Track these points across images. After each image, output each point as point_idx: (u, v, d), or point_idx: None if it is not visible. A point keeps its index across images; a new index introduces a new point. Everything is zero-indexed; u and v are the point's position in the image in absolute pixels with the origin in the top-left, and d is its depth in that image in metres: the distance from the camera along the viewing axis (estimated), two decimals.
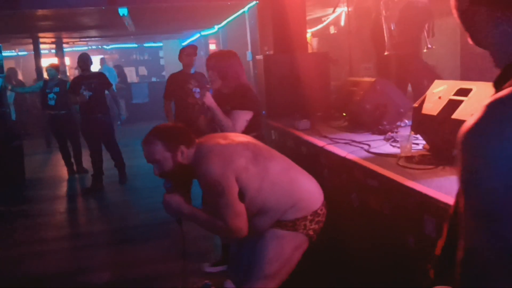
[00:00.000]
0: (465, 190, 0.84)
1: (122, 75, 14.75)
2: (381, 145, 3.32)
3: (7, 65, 9.27)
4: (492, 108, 0.82)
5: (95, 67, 14.22)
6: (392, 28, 4.87)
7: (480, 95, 2.59)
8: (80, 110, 6.52)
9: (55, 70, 7.32)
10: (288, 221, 2.31)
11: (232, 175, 2.21)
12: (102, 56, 15.21)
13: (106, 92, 6.59)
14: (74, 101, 6.47)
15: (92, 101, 6.27)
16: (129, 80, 16.46)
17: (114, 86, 13.18)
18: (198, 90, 5.26)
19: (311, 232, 2.37)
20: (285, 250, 2.32)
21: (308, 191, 2.40)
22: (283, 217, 2.32)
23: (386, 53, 5.02)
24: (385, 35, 4.95)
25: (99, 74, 6.80)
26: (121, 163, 6.85)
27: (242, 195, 2.24)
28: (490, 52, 0.96)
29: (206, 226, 2.29)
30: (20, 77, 12.52)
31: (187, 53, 5.33)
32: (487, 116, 0.81)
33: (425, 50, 4.94)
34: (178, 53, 5.38)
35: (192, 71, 5.35)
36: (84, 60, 6.48)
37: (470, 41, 1.01)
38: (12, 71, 11.90)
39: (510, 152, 0.77)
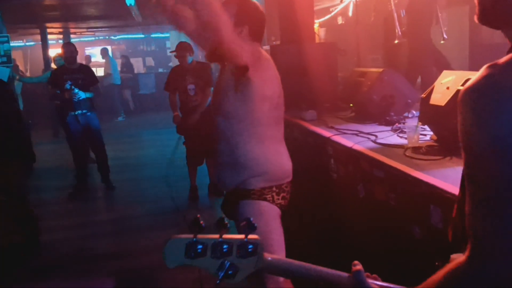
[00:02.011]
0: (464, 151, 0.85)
1: (128, 65, 14.70)
2: (388, 136, 3.31)
3: (14, 55, 9.31)
4: (487, 69, 0.84)
5: (98, 58, 14.11)
6: (402, 15, 4.83)
7: None
8: (63, 106, 5.86)
9: (62, 60, 7.33)
10: (256, 190, 2.28)
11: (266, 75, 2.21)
12: (104, 47, 14.47)
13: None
14: (54, 95, 5.82)
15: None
16: (136, 71, 16.50)
17: (118, 78, 13.12)
18: (193, 87, 5.28)
19: (278, 206, 2.34)
20: (270, 223, 2.30)
21: (287, 164, 2.38)
22: (249, 183, 2.28)
23: (396, 42, 4.98)
24: (395, 23, 4.92)
25: (85, 68, 6.04)
26: (106, 166, 6.11)
27: (258, 98, 2.20)
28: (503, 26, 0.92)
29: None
30: (21, 67, 12.54)
31: (176, 56, 5.36)
32: (485, 75, 0.83)
33: (442, 42, 4.89)
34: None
35: (189, 61, 5.36)
36: (70, 51, 5.76)
37: (477, 18, 0.96)
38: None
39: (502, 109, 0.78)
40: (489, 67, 0.84)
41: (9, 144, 4.21)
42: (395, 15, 4.87)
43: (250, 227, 1.01)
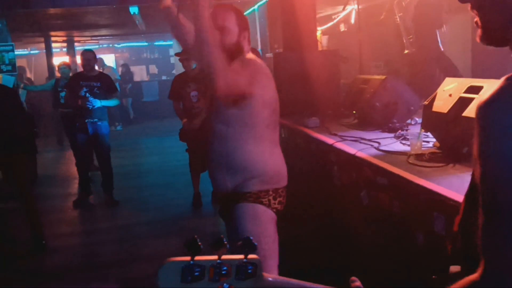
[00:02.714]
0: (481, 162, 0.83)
1: (129, 74, 14.70)
2: (391, 143, 3.31)
3: (19, 63, 9.37)
4: (506, 80, 0.82)
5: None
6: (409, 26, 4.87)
7: None
8: (74, 112, 5.79)
9: (67, 68, 7.36)
10: (252, 193, 2.25)
11: (261, 83, 2.21)
12: (99, 56, 14.45)
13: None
14: (70, 101, 5.73)
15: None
16: (139, 78, 16.55)
17: (117, 85, 13.15)
18: (195, 93, 5.31)
19: (275, 211, 2.31)
20: (265, 228, 2.27)
21: (283, 168, 2.37)
22: (246, 186, 2.26)
23: (406, 52, 5.01)
24: (402, 34, 4.95)
25: (103, 76, 5.94)
26: (110, 182, 5.92)
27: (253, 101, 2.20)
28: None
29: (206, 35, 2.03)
30: (28, 75, 12.56)
31: (181, 60, 5.38)
32: (504, 87, 0.82)
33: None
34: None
35: (193, 66, 5.39)
36: (88, 59, 5.66)
37: (479, 38, 0.93)
38: (22, 69, 12.03)
39: None
40: (508, 78, 0.83)
41: (16, 137, 4.40)
42: (402, 28, 4.90)
43: (250, 246, 0.97)
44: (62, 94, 7.06)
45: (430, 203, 2.25)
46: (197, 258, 0.94)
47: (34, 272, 4.11)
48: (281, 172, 2.35)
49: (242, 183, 2.26)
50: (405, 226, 2.54)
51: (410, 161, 2.76)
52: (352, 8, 7.64)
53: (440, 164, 2.64)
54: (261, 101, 2.21)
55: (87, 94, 5.57)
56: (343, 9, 7.44)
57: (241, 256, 0.97)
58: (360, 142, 3.41)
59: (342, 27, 9.30)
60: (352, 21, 8.18)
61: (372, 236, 2.94)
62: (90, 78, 5.68)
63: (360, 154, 3.08)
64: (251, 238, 0.98)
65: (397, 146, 3.22)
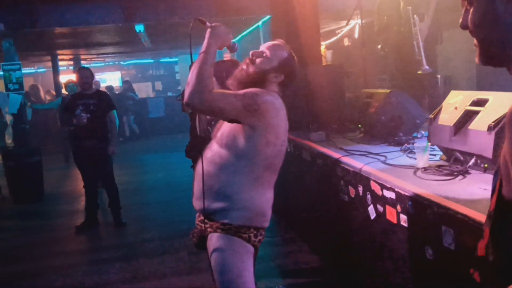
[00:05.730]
0: None
1: (131, 91, 14.76)
2: (397, 157, 3.31)
3: (26, 82, 9.47)
4: None
5: (109, 83, 14.32)
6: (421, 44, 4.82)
7: (497, 106, 2.57)
8: (73, 134, 5.67)
9: (74, 86, 7.41)
10: (233, 226, 2.21)
11: (267, 119, 2.17)
12: (96, 79, 15.06)
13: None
14: (69, 122, 5.63)
15: (88, 125, 5.39)
16: (145, 95, 16.65)
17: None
18: None
19: (253, 246, 2.27)
20: (246, 264, 2.24)
21: (268, 211, 2.32)
22: (227, 216, 2.22)
23: (419, 72, 4.92)
24: (417, 52, 4.89)
25: (101, 93, 5.86)
26: (117, 203, 5.83)
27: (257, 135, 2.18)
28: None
29: (205, 61, 2.14)
30: (41, 94, 12.62)
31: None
32: None
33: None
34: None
35: None
36: (85, 76, 5.59)
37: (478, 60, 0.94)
38: (34, 88, 12.16)
39: None
40: None
41: None
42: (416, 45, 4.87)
43: None
44: None
45: (438, 217, 2.24)
46: None
47: None
48: (266, 214, 2.30)
49: (224, 211, 2.22)
50: (413, 240, 2.52)
51: (417, 175, 2.75)
52: (355, 22, 7.68)
53: (448, 177, 2.63)
54: (264, 136, 2.18)
55: (82, 113, 5.40)
56: (347, 24, 7.48)
57: None
58: (367, 156, 3.41)
59: (346, 42, 9.35)
60: (356, 35, 8.21)
61: (380, 250, 2.92)
62: (86, 96, 5.58)
63: (366, 168, 3.08)
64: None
65: (403, 159, 3.21)
